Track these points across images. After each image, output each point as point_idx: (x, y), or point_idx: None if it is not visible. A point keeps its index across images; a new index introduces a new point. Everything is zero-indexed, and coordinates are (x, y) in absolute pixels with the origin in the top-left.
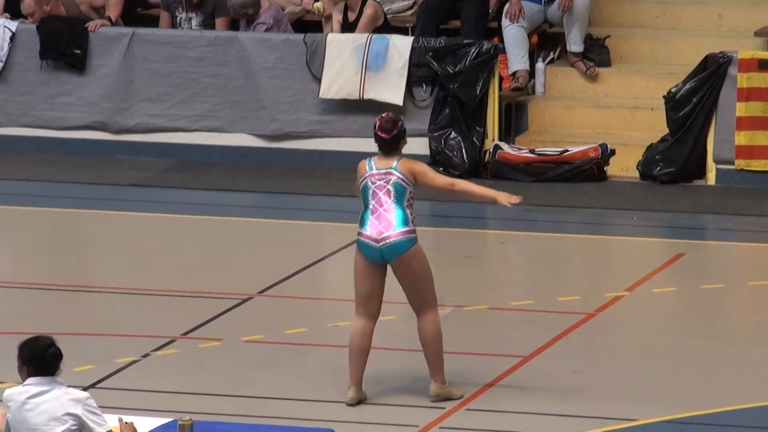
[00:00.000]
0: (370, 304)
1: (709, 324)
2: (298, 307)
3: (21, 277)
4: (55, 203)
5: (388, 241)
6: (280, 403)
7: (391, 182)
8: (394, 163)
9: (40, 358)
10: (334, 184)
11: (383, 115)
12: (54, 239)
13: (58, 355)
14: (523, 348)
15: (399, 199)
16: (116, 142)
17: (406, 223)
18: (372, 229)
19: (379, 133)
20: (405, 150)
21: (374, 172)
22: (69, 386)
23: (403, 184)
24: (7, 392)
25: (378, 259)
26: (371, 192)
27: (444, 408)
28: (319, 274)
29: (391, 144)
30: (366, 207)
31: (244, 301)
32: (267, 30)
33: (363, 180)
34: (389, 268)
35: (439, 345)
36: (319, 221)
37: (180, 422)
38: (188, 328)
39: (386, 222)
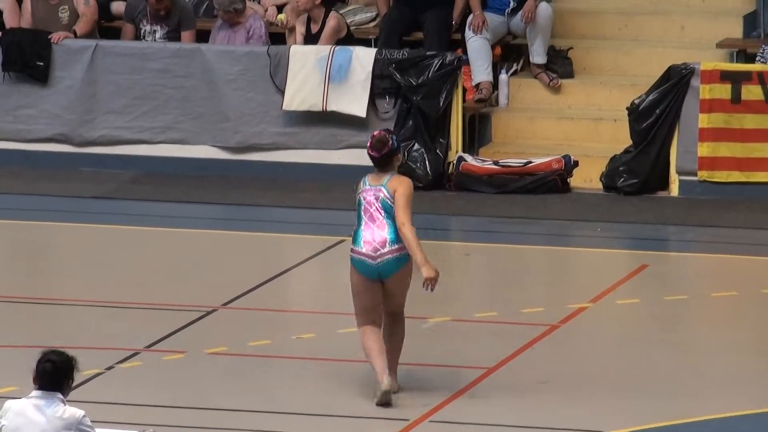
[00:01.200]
0: (375, 314)
1: (673, 335)
2: (262, 319)
3: None
4: (18, 215)
5: (384, 258)
6: (244, 415)
7: (380, 199)
8: (385, 180)
9: (36, 370)
10: (298, 196)
11: (376, 132)
12: (17, 251)
13: (50, 371)
14: (487, 359)
15: (390, 216)
16: (79, 155)
17: (397, 240)
18: (366, 246)
19: (370, 152)
20: None
21: (367, 188)
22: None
23: (389, 202)
24: (8, 402)
25: (374, 276)
26: (363, 207)
27: (408, 420)
28: (283, 286)
29: (382, 161)
30: (359, 223)
31: (208, 313)
32: (260, 37)
33: (357, 195)
34: None
35: (402, 344)
36: (282, 233)
37: None
38: (152, 341)
39: (380, 239)
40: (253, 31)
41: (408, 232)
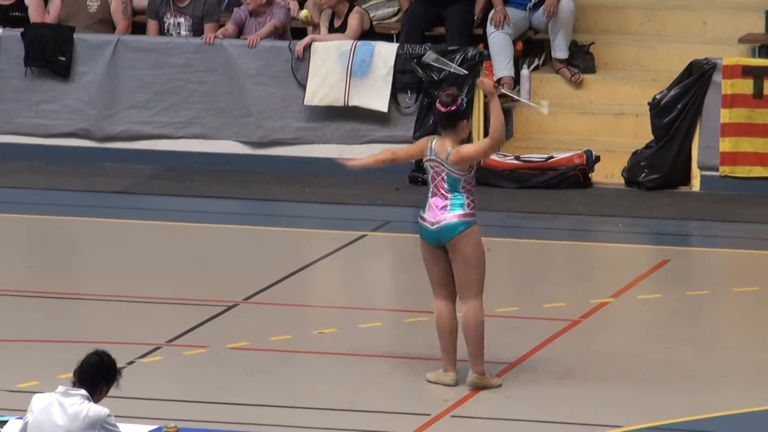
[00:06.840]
0: (448, 285)
1: (694, 330)
2: (283, 314)
3: (5, 284)
4: (39, 210)
5: (442, 223)
6: (266, 410)
7: (443, 174)
8: (446, 154)
9: (82, 361)
10: (320, 191)
11: (447, 89)
12: (39, 246)
13: (95, 364)
14: (508, 354)
15: (454, 188)
16: (101, 149)
17: (461, 207)
18: (430, 212)
19: (437, 105)
20: None
21: (432, 158)
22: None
23: (455, 176)
24: (36, 396)
25: (435, 242)
26: (431, 176)
27: (429, 414)
28: (304, 281)
29: (447, 119)
30: (429, 188)
31: (230, 308)
32: (275, 29)
33: (425, 161)
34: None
35: (480, 334)
36: (304, 228)
37: (165, 429)
38: (174, 335)
39: (442, 207)
40: (273, 16)
41: (492, 128)
